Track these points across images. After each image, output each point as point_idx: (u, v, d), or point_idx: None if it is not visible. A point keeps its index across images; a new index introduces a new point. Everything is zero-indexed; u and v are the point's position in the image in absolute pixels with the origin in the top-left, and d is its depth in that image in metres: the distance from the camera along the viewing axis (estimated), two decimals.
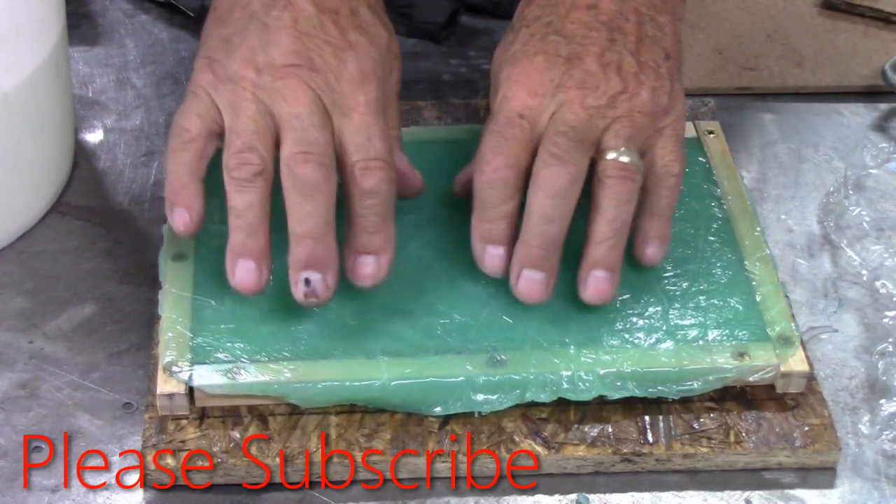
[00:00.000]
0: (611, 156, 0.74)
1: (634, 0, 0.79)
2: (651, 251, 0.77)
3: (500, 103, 0.77)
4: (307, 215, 0.73)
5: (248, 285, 0.73)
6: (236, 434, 0.72)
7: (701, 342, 0.75)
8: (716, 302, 0.77)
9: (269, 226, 0.74)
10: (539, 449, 0.72)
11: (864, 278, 0.83)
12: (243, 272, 0.73)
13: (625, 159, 0.74)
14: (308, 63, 0.75)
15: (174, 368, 0.72)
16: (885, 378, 0.77)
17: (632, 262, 0.79)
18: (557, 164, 0.73)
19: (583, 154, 0.74)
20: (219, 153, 0.76)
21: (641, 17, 0.79)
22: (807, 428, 0.73)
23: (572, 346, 0.74)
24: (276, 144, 0.74)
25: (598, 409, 0.74)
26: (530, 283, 0.74)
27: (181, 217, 0.75)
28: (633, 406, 0.74)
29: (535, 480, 0.72)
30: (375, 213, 0.74)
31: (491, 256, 0.75)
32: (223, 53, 0.76)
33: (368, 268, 0.74)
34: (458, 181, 0.81)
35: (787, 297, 0.78)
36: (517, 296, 0.75)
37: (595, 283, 0.75)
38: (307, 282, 0.73)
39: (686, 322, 0.76)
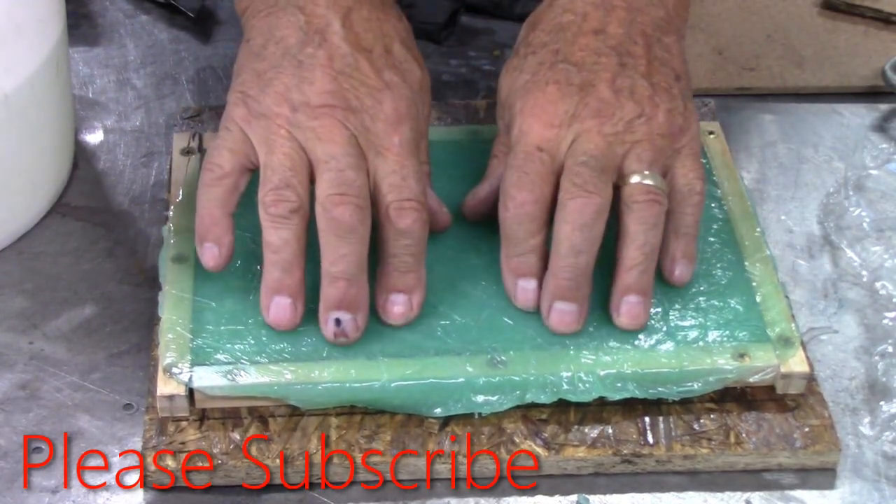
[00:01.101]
0: (635, 180, 0.75)
1: (640, 23, 0.79)
2: (679, 271, 0.77)
3: (518, 137, 0.77)
4: (342, 257, 0.73)
5: (285, 322, 0.74)
6: (236, 435, 0.72)
7: (701, 343, 0.75)
8: (716, 303, 0.77)
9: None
10: (539, 450, 0.72)
11: (864, 279, 0.83)
12: (279, 309, 0.74)
13: (650, 182, 0.74)
14: (343, 103, 0.75)
15: (174, 370, 0.72)
16: (885, 379, 0.77)
17: None
18: (583, 195, 0.73)
19: (606, 183, 0.74)
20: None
21: (649, 40, 0.79)
22: (807, 429, 0.73)
23: (572, 348, 0.74)
24: (311, 181, 0.75)
25: (599, 410, 0.74)
26: (562, 314, 0.75)
27: (211, 252, 0.75)
28: (633, 407, 0.74)
29: (535, 481, 0.72)
30: (409, 254, 0.74)
31: (523, 290, 0.76)
32: (257, 89, 0.76)
33: (400, 307, 0.75)
34: (469, 204, 0.81)
35: (787, 297, 0.78)
36: (550, 328, 0.75)
37: (628, 308, 0.75)
38: (338, 322, 0.73)
39: (686, 323, 0.76)
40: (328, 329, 0.74)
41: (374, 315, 0.76)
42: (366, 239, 0.74)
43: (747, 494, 0.72)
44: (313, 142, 0.74)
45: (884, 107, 0.95)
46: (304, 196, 0.74)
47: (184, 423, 0.72)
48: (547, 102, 0.76)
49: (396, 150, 0.75)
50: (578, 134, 0.75)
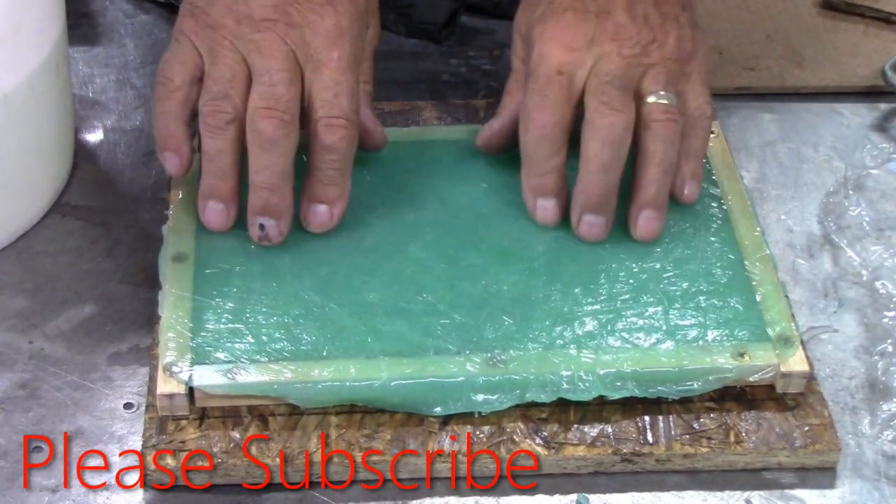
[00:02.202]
0: (652, 99, 0.78)
1: None
2: (689, 190, 0.81)
3: (537, 61, 0.79)
4: (264, 168, 0.77)
5: (216, 224, 0.79)
6: (236, 434, 0.72)
7: (701, 342, 0.75)
8: (716, 302, 0.77)
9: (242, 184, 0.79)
10: (539, 449, 0.72)
11: (864, 278, 0.83)
12: (212, 213, 0.79)
13: (666, 102, 0.78)
14: (285, 18, 0.77)
15: (174, 369, 0.72)
16: (885, 378, 0.77)
17: (633, 262, 0.79)
18: (611, 112, 0.76)
19: (629, 101, 0.77)
20: None
21: None
22: (807, 428, 0.73)
23: (572, 346, 0.74)
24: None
25: (598, 409, 0.74)
26: (592, 226, 0.79)
27: (171, 160, 0.79)
28: (633, 406, 0.74)
29: (535, 480, 0.72)
30: (333, 168, 0.78)
31: (543, 209, 0.80)
32: (205, 1, 0.79)
33: (321, 216, 0.79)
34: (482, 136, 0.85)
35: (787, 297, 0.78)
36: (579, 236, 0.79)
37: (646, 222, 0.79)
38: (261, 227, 0.78)
39: (686, 322, 0.76)
40: (253, 232, 0.78)
41: (374, 312, 0.76)
42: (289, 151, 0.77)
43: (747, 494, 0.72)
44: (254, 55, 0.77)
45: (884, 106, 0.95)
46: (240, 107, 0.77)
47: (184, 422, 0.72)
48: (566, 27, 0.79)
49: (334, 65, 0.77)
50: (599, 57, 0.78)
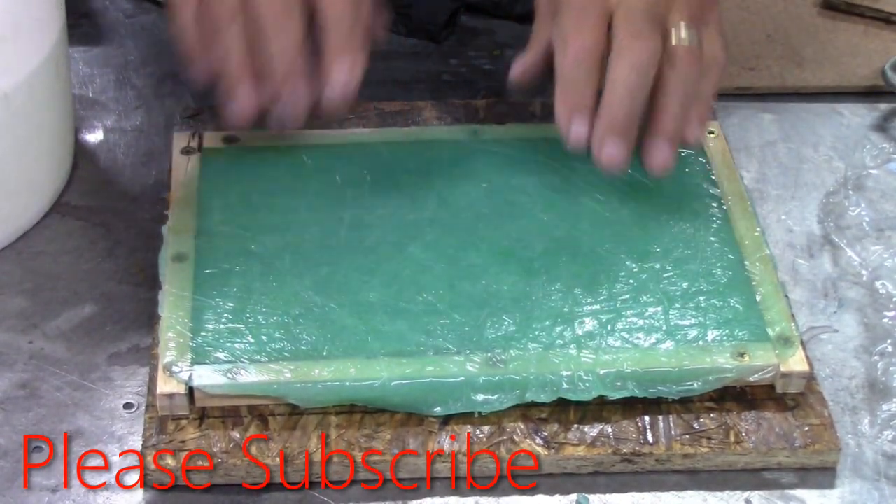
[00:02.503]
0: (678, 35, 0.79)
1: None
2: (693, 132, 0.81)
3: None
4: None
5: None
6: (236, 434, 0.72)
7: (701, 342, 0.75)
8: (716, 302, 0.77)
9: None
10: (539, 449, 0.72)
11: (864, 278, 0.83)
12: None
13: (693, 42, 0.79)
14: None
15: (174, 368, 0.72)
16: (884, 378, 0.77)
17: (633, 262, 0.79)
18: (640, 39, 0.77)
19: (657, 32, 0.78)
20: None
21: None
22: (807, 428, 0.73)
23: (572, 346, 0.74)
24: None
25: (598, 409, 0.74)
26: (613, 151, 0.79)
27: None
28: (633, 406, 0.74)
29: (535, 480, 0.72)
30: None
31: (577, 132, 0.79)
32: None
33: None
34: (516, 70, 0.84)
35: (787, 297, 0.78)
36: (600, 163, 0.79)
37: (659, 152, 0.80)
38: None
39: (686, 322, 0.76)
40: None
41: (374, 312, 0.76)
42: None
43: (747, 494, 0.72)
44: None
45: (884, 106, 0.95)
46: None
47: (184, 422, 0.72)
48: None
49: None
50: None
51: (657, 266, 0.79)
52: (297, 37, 0.78)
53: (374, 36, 0.81)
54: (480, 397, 0.73)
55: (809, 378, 0.75)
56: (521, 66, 0.84)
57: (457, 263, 0.79)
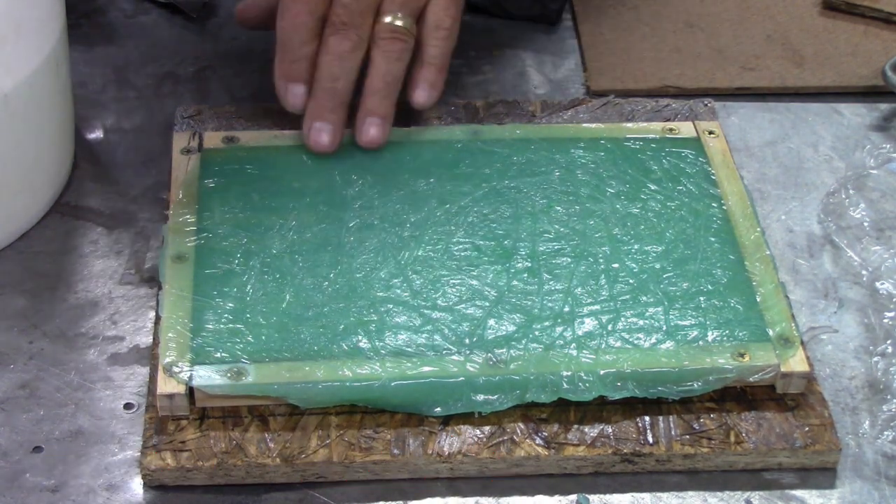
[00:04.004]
0: (386, 20, 0.84)
1: None
2: (418, 95, 0.87)
3: None
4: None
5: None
6: (236, 434, 0.72)
7: (701, 342, 0.75)
8: (716, 302, 0.77)
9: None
10: (539, 449, 0.72)
11: (865, 279, 0.83)
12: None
13: (398, 23, 0.84)
14: None
15: (174, 369, 0.72)
16: (885, 379, 0.77)
17: (633, 262, 0.79)
18: (342, 30, 0.83)
19: (365, 19, 0.84)
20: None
21: None
22: (807, 428, 0.73)
23: (572, 347, 0.74)
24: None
25: (599, 409, 0.74)
26: (319, 133, 0.85)
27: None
28: (633, 406, 0.74)
29: (535, 481, 0.72)
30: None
31: (293, 95, 0.85)
32: None
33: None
34: (239, 9, 0.91)
35: (787, 297, 0.78)
36: (309, 146, 0.85)
37: (368, 129, 0.85)
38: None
39: (686, 322, 0.76)
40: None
41: (374, 313, 0.76)
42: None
43: (747, 494, 0.72)
44: None
45: (884, 106, 0.95)
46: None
47: (184, 422, 0.72)
48: None
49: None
50: None
51: (657, 266, 0.79)
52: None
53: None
54: (480, 397, 0.73)
55: (810, 378, 0.75)
56: (243, 6, 0.91)
57: (457, 263, 0.79)
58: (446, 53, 0.87)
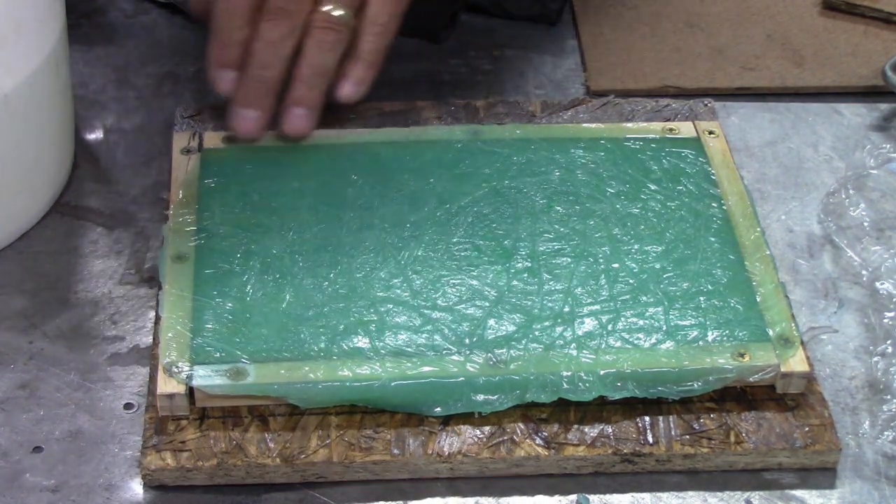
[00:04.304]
0: (324, 8, 0.83)
1: None
2: (343, 88, 0.86)
3: None
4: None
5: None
6: (236, 434, 0.72)
7: (701, 342, 0.75)
8: (716, 302, 0.77)
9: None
10: (539, 449, 0.72)
11: (865, 279, 0.83)
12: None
13: (336, 13, 0.83)
14: None
15: (174, 369, 0.72)
16: (885, 379, 0.77)
17: (633, 262, 0.79)
18: (276, 17, 0.82)
19: (301, 6, 0.83)
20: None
21: None
22: (807, 428, 0.73)
23: (572, 347, 0.74)
24: None
25: (599, 409, 0.74)
26: (246, 120, 0.84)
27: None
28: (633, 406, 0.74)
29: (535, 481, 0.72)
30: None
31: (223, 80, 0.84)
32: None
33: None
34: (193, 2, 0.89)
35: (787, 297, 0.78)
36: (235, 132, 0.85)
37: (293, 118, 0.85)
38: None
39: (686, 322, 0.76)
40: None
41: (373, 313, 0.76)
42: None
43: (747, 494, 0.72)
44: None
45: (884, 106, 0.95)
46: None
47: (184, 422, 0.72)
48: None
49: None
50: None
51: (657, 266, 0.79)
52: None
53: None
54: (480, 397, 0.73)
55: (810, 378, 0.75)
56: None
57: (457, 264, 0.79)
58: (379, 49, 0.86)
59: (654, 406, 0.74)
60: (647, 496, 0.72)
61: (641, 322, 0.76)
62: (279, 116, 0.85)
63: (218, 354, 0.73)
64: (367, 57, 0.85)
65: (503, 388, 0.73)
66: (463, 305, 0.77)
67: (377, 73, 0.86)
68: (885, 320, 0.80)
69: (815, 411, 0.74)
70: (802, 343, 0.75)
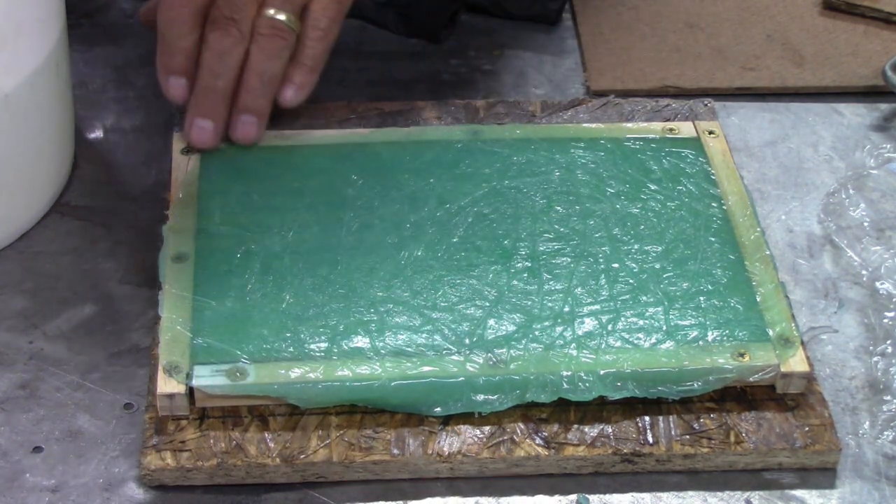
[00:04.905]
0: (268, 13, 0.83)
1: None
2: (285, 93, 0.85)
3: None
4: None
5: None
6: (236, 434, 0.72)
7: (701, 342, 0.75)
8: (716, 302, 0.77)
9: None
10: (539, 449, 0.72)
11: (865, 279, 0.83)
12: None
13: (280, 17, 0.83)
14: None
15: (174, 369, 0.72)
16: (885, 378, 0.77)
17: (633, 262, 0.79)
18: (223, 26, 0.82)
19: (247, 12, 0.83)
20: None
21: None
22: (807, 428, 0.73)
23: (572, 347, 0.74)
24: None
25: (599, 409, 0.74)
26: (201, 131, 0.84)
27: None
28: (633, 406, 0.74)
29: (535, 481, 0.72)
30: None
31: (173, 87, 0.84)
32: None
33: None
34: (142, 12, 0.90)
35: (787, 297, 0.78)
36: (191, 142, 0.84)
37: (242, 126, 0.84)
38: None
39: (686, 322, 0.76)
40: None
41: (373, 312, 0.76)
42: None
43: (747, 494, 0.72)
44: None
45: (884, 106, 0.95)
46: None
47: (184, 422, 0.72)
48: None
49: None
50: None
51: (657, 266, 0.79)
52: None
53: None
54: (480, 397, 0.73)
55: (810, 378, 0.75)
56: (145, 10, 0.90)
57: (457, 263, 0.79)
58: (319, 54, 0.85)
59: (654, 406, 0.74)
60: (647, 496, 0.72)
61: (641, 322, 0.76)
62: (229, 126, 0.85)
63: (218, 354, 0.73)
64: (308, 62, 0.85)
65: (503, 388, 0.73)
66: (463, 305, 0.77)
67: (318, 78, 0.86)
68: (885, 320, 0.80)
69: (815, 411, 0.74)
70: (802, 343, 0.75)
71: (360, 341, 0.74)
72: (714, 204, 0.83)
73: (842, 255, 0.85)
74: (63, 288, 0.81)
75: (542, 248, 0.80)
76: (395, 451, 0.72)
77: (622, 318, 0.76)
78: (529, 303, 0.77)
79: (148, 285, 0.81)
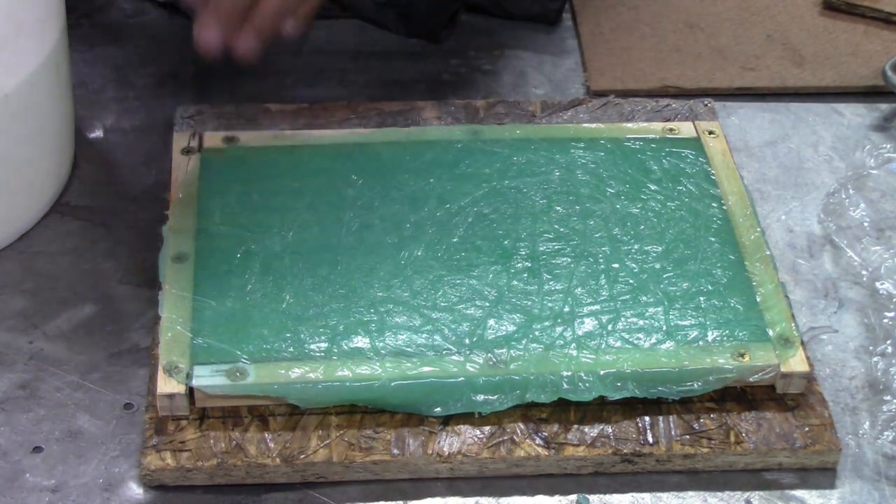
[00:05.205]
0: None
1: None
2: (288, 24, 0.82)
3: None
4: None
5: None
6: (236, 434, 0.72)
7: (701, 342, 0.75)
8: (716, 302, 0.77)
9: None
10: (539, 449, 0.72)
11: (865, 279, 0.83)
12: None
13: None
14: None
15: (174, 369, 0.72)
16: (885, 378, 0.77)
17: (633, 262, 0.79)
18: None
19: None
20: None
21: None
22: (807, 428, 0.73)
23: (572, 347, 0.74)
24: None
25: (599, 409, 0.74)
26: (210, 33, 0.80)
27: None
28: (633, 406, 0.74)
29: (535, 481, 0.72)
30: None
31: (212, 34, 0.81)
32: None
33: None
34: None
35: (787, 297, 0.78)
36: (196, 41, 0.80)
37: (243, 41, 0.81)
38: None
39: (686, 322, 0.76)
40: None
41: (374, 313, 0.76)
42: None
43: (747, 494, 0.72)
44: None
45: (884, 106, 0.95)
46: None
47: (184, 423, 0.72)
48: None
49: None
50: None
51: (657, 266, 0.79)
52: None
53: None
54: (480, 397, 0.73)
55: (810, 378, 0.75)
56: None
57: (457, 263, 0.79)
58: (279, 8, 0.84)
59: (654, 406, 0.74)
60: (647, 496, 0.72)
61: (641, 322, 0.76)
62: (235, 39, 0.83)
63: (218, 354, 0.73)
64: (264, 21, 0.83)
65: (503, 388, 0.73)
66: (463, 305, 0.77)
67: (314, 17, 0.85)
68: (885, 320, 0.80)
69: (815, 411, 0.74)
70: (802, 343, 0.75)
71: (360, 341, 0.74)
72: (714, 204, 0.83)
73: (842, 255, 0.85)
74: (63, 288, 0.81)
75: (542, 248, 0.80)
76: (395, 451, 0.72)
77: (622, 319, 0.76)
78: (529, 303, 0.77)
79: (148, 285, 0.81)
